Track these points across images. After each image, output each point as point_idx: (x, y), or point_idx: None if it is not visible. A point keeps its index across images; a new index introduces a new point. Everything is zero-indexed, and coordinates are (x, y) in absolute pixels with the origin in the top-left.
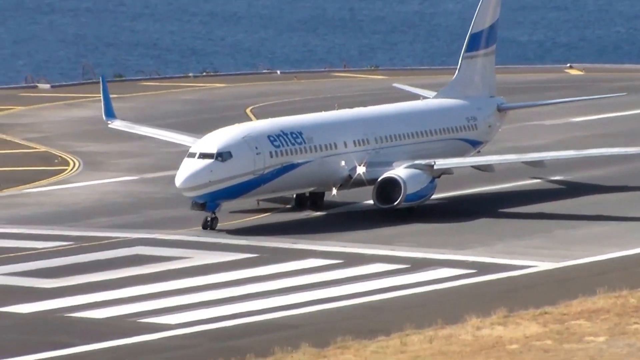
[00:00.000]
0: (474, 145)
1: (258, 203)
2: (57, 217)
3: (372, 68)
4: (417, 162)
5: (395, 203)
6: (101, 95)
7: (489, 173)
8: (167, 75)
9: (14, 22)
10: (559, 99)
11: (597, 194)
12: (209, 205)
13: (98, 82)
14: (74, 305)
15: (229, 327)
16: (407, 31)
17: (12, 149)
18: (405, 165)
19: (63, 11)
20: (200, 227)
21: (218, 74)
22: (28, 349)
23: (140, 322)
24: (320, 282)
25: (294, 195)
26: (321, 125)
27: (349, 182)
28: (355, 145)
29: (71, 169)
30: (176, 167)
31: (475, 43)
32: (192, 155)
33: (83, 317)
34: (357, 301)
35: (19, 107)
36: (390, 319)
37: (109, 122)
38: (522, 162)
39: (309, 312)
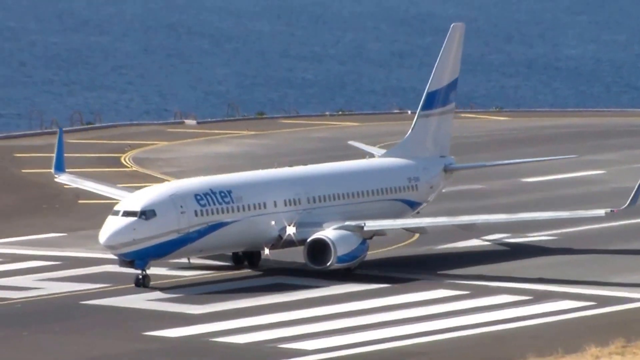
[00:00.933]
0: (413, 206)
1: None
2: None
3: (497, 110)
4: (347, 223)
5: (328, 264)
6: (55, 147)
7: None
8: (304, 114)
9: (174, 60)
10: (510, 160)
11: None
12: (137, 263)
13: (242, 120)
14: (218, 331)
15: (363, 353)
16: (531, 74)
17: (146, 182)
18: (334, 226)
19: (217, 53)
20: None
21: (352, 113)
22: None
23: (279, 347)
24: (448, 312)
25: (231, 254)
26: (251, 185)
27: (280, 242)
28: (285, 205)
29: None
30: None
31: (431, 102)
32: (116, 212)
33: (226, 342)
34: (482, 330)
35: (164, 143)
36: (514, 348)
37: (56, 175)
38: (454, 225)
39: (438, 340)
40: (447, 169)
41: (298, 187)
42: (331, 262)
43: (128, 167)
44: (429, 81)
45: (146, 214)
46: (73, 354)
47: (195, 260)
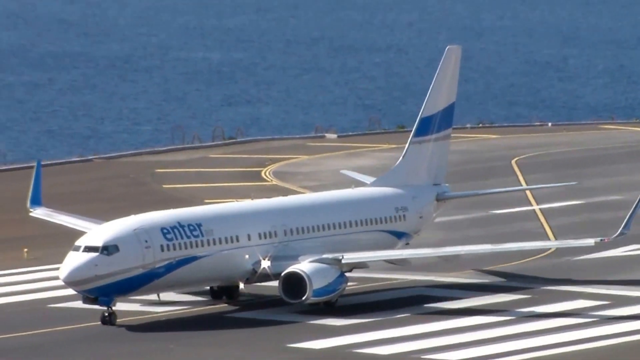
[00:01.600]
0: (401, 237)
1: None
2: None
3: (638, 120)
4: (324, 256)
5: (303, 298)
6: (32, 180)
7: None
8: None
9: (315, 74)
10: (504, 188)
11: None
12: (101, 300)
13: (382, 133)
14: (361, 342)
15: None
16: None
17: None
18: (311, 259)
19: (361, 67)
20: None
21: (493, 125)
22: None
23: (422, 358)
24: (589, 322)
25: (208, 288)
26: (223, 217)
27: (255, 276)
28: (260, 238)
29: None
30: None
31: (424, 128)
32: (77, 248)
33: (369, 353)
34: (624, 340)
35: (304, 156)
36: None
37: (31, 210)
38: (437, 256)
39: (580, 350)
40: (439, 198)
41: (274, 219)
42: (307, 296)
43: (268, 181)
44: (423, 106)
45: (108, 249)
46: None
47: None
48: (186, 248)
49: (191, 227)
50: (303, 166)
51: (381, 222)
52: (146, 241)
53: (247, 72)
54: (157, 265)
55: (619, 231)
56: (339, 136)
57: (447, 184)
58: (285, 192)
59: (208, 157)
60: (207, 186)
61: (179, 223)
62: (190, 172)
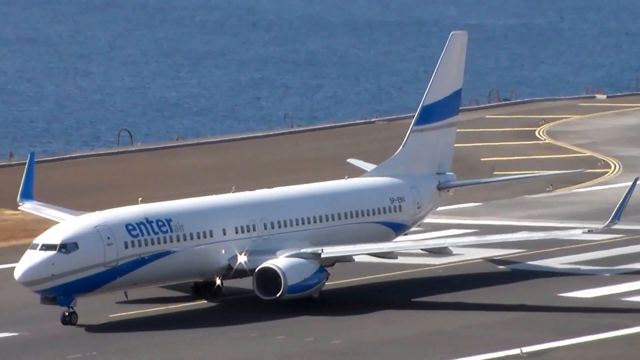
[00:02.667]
0: (398, 228)
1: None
2: (605, 212)
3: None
4: (303, 250)
5: (278, 295)
6: (24, 173)
7: None
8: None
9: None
10: (506, 177)
11: None
12: (59, 299)
13: None
14: (628, 291)
15: None
16: None
17: (562, 154)
18: (287, 253)
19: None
20: None
21: None
22: (591, 330)
23: None
24: None
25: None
26: (196, 212)
27: (231, 272)
28: (237, 233)
29: (612, 171)
30: None
31: (427, 116)
32: (35, 246)
33: (636, 301)
34: None
35: (575, 116)
36: None
37: (20, 204)
38: (422, 249)
39: None
40: (441, 187)
41: (253, 213)
42: (281, 293)
43: (541, 140)
44: (425, 94)
45: (67, 247)
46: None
47: None
48: (152, 244)
49: (160, 223)
50: (574, 125)
51: (374, 214)
52: (108, 237)
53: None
54: (120, 263)
55: (608, 222)
56: (608, 97)
57: (451, 173)
58: (559, 150)
59: (484, 118)
60: (483, 145)
61: (146, 219)
62: (468, 132)
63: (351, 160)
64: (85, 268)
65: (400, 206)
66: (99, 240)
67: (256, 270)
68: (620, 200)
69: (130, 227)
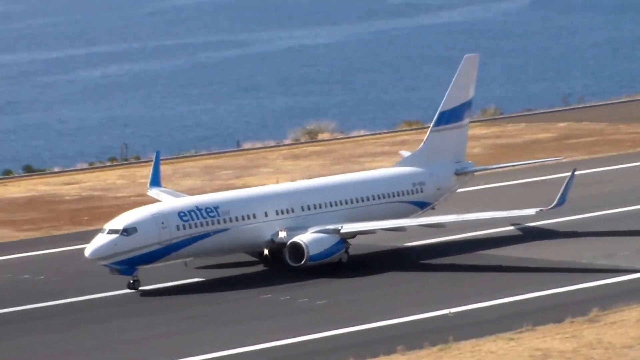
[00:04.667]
0: (422, 206)
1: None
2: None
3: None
4: (327, 227)
5: (302, 262)
6: (152, 167)
7: None
8: None
9: None
10: (514, 163)
11: None
12: (122, 270)
13: None
14: None
15: None
16: None
17: None
18: (313, 230)
19: None
20: None
21: None
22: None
23: None
24: None
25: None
26: (239, 200)
27: (274, 244)
28: (277, 214)
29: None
30: None
31: (444, 119)
32: (103, 231)
33: None
34: None
35: None
36: None
37: (148, 189)
38: (419, 225)
39: None
40: (458, 173)
41: (292, 199)
42: (305, 261)
43: None
44: (442, 103)
45: (128, 231)
46: None
47: None
48: (200, 226)
49: (208, 210)
50: None
51: (400, 195)
52: (163, 223)
53: None
54: (173, 242)
55: (555, 202)
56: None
57: (470, 161)
58: None
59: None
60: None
61: (197, 207)
62: None
63: (401, 152)
64: (144, 246)
65: (421, 189)
66: (154, 224)
67: (287, 244)
68: (563, 186)
69: (182, 214)
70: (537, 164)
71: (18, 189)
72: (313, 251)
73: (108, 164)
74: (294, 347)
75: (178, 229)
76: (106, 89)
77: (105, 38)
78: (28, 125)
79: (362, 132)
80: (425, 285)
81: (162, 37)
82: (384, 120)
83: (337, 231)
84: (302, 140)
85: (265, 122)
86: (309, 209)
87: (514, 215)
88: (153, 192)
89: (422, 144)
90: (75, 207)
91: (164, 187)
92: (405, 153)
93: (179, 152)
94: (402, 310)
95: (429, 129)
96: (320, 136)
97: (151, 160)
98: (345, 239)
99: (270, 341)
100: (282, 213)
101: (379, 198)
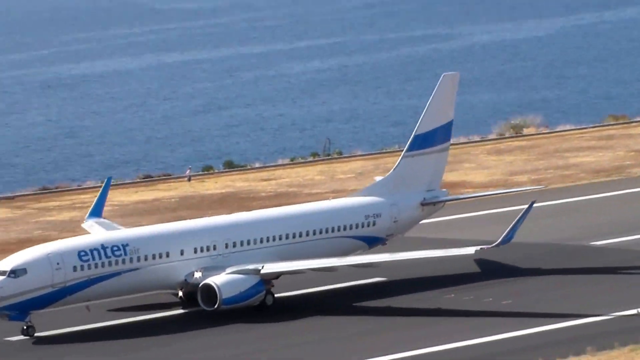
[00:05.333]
0: (370, 241)
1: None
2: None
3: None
4: (246, 266)
5: (215, 306)
6: (98, 194)
7: None
8: None
9: None
10: (478, 193)
11: None
12: (11, 316)
13: None
14: None
15: None
16: None
17: None
18: (231, 270)
19: None
20: None
21: None
22: None
23: None
24: None
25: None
26: (154, 237)
27: (188, 285)
28: (195, 252)
29: None
30: None
31: (418, 144)
32: None
33: None
34: None
35: None
36: None
37: (85, 221)
38: (349, 265)
39: None
40: (425, 203)
41: (215, 235)
42: (218, 304)
43: None
44: (417, 126)
45: (16, 273)
46: None
47: None
48: (102, 267)
49: (115, 248)
50: None
51: (345, 229)
52: (58, 263)
53: None
54: (69, 284)
55: (499, 240)
56: None
57: (444, 189)
58: None
59: None
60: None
61: (102, 245)
62: None
63: (375, 178)
64: (34, 289)
65: (374, 222)
66: (48, 265)
67: (200, 285)
68: (515, 221)
69: (82, 253)
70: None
71: (215, 185)
72: (226, 294)
73: (310, 159)
74: (479, 347)
75: (75, 270)
76: (310, 84)
77: (310, 32)
78: (240, 121)
79: (567, 127)
80: (615, 285)
81: (365, 32)
82: (588, 114)
83: (257, 271)
84: (507, 135)
85: (469, 116)
86: (234, 246)
87: (451, 254)
88: (87, 224)
89: (392, 170)
90: (267, 204)
91: (104, 219)
92: (379, 178)
93: (382, 147)
94: (589, 310)
95: (402, 155)
96: (526, 131)
97: (354, 156)
98: (267, 279)
99: (455, 342)
100: (202, 251)
101: (320, 233)
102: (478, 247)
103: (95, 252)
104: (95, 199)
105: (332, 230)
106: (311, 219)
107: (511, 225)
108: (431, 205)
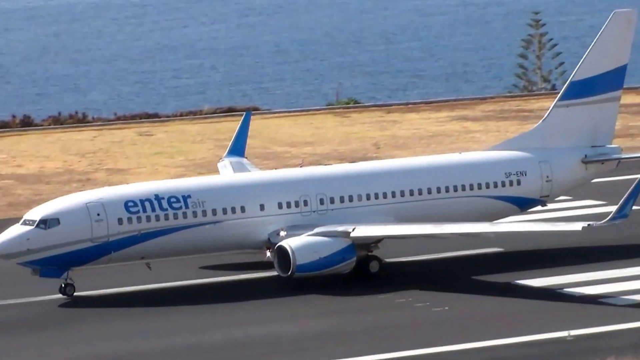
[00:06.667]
0: (521, 203)
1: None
2: None
3: None
4: (335, 228)
5: (289, 273)
6: (236, 131)
7: None
8: None
9: None
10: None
11: None
12: (43, 271)
13: None
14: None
15: None
16: None
17: None
18: (317, 230)
19: None
20: None
21: None
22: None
23: None
24: None
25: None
26: (224, 188)
27: (273, 246)
28: (280, 208)
29: None
30: None
31: (575, 91)
32: (20, 220)
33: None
34: None
35: None
36: None
37: (221, 160)
38: (460, 234)
39: None
40: (587, 161)
41: (306, 188)
42: (291, 272)
43: None
44: (575, 70)
45: (46, 223)
46: None
47: None
48: (159, 220)
49: (173, 199)
50: None
51: (479, 188)
52: (98, 214)
53: None
54: (113, 239)
55: (610, 217)
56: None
57: (616, 146)
58: None
59: None
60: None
61: (156, 195)
62: None
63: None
64: (67, 244)
65: (518, 180)
66: (84, 216)
67: (275, 247)
68: (626, 195)
69: (130, 204)
70: None
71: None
72: (302, 259)
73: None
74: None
75: (120, 223)
76: None
77: None
78: None
79: None
80: None
81: None
82: None
83: (347, 234)
84: None
85: None
86: (331, 202)
87: (558, 229)
88: (223, 164)
89: (541, 121)
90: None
91: (246, 159)
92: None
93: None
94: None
95: (553, 103)
96: None
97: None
98: (367, 243)
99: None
100: (288, 207)
101: (446, 191)
102: (585, 224)
103: (147, 203)
104: (234, 135)
105: (463, 189)
106: (436, 174)
107: (622, 200)
108: (598, 163)
